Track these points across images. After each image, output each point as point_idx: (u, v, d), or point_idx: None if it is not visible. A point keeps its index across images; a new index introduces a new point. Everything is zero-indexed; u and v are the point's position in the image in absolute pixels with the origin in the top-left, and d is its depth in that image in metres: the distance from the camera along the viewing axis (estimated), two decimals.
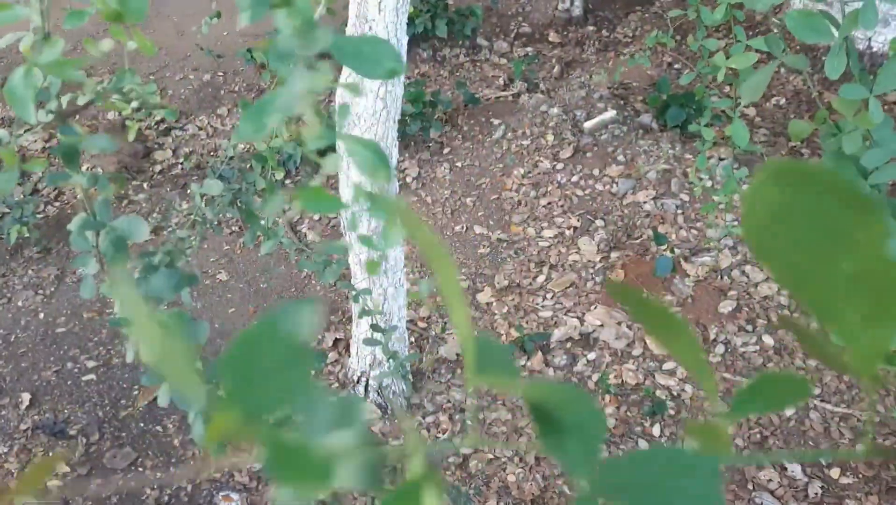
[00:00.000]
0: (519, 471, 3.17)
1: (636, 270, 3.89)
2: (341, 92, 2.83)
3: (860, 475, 3.06)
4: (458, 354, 3.65)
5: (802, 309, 0.38)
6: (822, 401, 3.30)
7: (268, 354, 0.40)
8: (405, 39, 2.73)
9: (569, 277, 3.89)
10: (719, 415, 0.44)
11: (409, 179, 4.51)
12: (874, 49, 4.84)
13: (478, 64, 5.39)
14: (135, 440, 3.38)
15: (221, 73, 5.32)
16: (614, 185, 4.30)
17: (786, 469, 3.10)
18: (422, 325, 3.77)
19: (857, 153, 1.31)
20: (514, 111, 4.87)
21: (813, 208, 0.35)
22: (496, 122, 4.81)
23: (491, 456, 3.23)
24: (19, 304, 3.94)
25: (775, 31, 5.02)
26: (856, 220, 0.34)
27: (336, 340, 3.74)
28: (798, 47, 4.99)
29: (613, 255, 3.96)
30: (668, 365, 3.48)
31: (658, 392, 3.39)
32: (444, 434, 3.34)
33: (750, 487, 3.06)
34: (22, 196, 4.35)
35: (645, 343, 3.58)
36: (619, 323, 3.65)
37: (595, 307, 3.75)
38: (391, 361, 2.89)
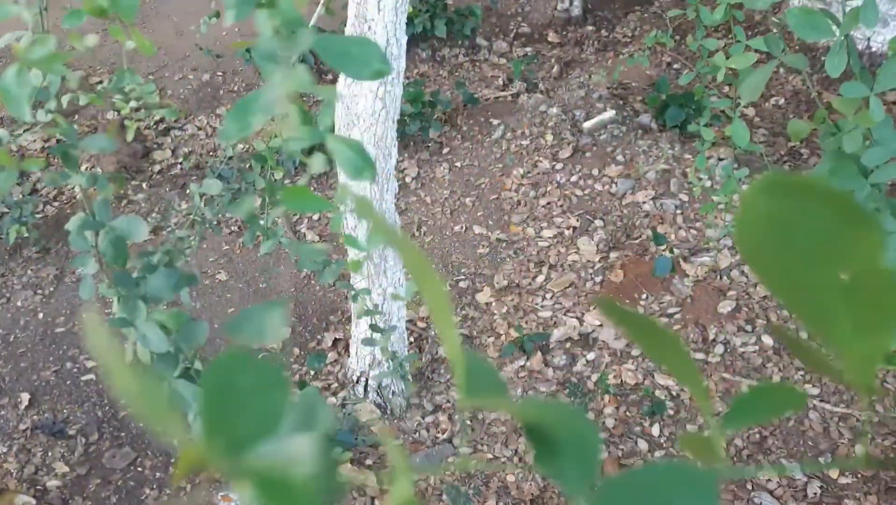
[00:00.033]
0: (518, 471, 3.17)
1: (635, 270, 3.89)
2: (340, 92, 2.83)
3: (859, 475, 3.06)
4: None
5: (795, 318, 0.38)
6: (821, 401, 3.30)
7: (244, 383, 0.39)
8: (404, 39, 2.73)
9: (568, 277, 3.89)
10: (713, 428, 0.43)
11: (408, 179, 4.50)
12: (873, 49, 4.84)
13: (477, 64, 5.39)
14: (134, 440, 3.38)
15: (221, 73, 5.32)
16: (613, 186, 4.30)
17: (787, 469, 3.10)
18: (421, 325, 3.77)
19: (858, 152, 1.31)
20: (513, 111, 4.87)
21: (807, 220, 0.35)
22: (495, 122, 4.81)
23: (490, 456, 3.23)
24: (18, 303, 3.94)
25: (774, 30, 5.02)
26: (851, 232, 0.34)
27: (336, 340, 3.74)
28: (797, 47, 4.99)
29: (613, 255, 3.96)
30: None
31: (657, 392, 3.39)
32: (443, 434, 3.34)
33: (749, 486, 3.06)
34: (21, 196, 4.35)
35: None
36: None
37: (594, 307, 3.75)
38: (390, 361, 2.89)
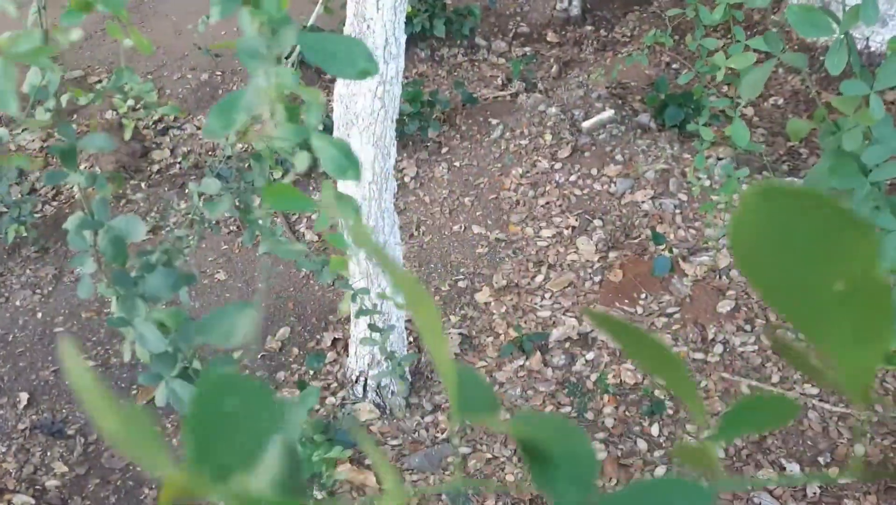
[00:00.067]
0: (517, 470, 3.17)
1: (634, 270, 3.89)
2: (338, 91, 2.83)
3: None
4: (455, 354, 3.64)
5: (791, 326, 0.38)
6: (820, 400, 3.30)
7: (230, 406, 0.37)
8: (403, 38, 2.73)
9: (567, 277, 3.89)
10: (708, 437, 0.43)
11: (407, 179, 4.50)
12: (872, 49, 4.84)
13: (476, 63, 5.39)
14: None
15: (219, 73, 5.31)
16: (612, 185, 4.29)
17: (784, 468, 3.10)
18: None
19: (857, 150, 1.31)
20: (512, 111, 4.87)
21: (802, 228, 0.35)
22: (494, 121, 4.80)
23: (489, 456, 3.23)
24: (17, 303, 3.94)
25: (774, 30, 5.02)
26: (846, 241, 0.34)
27: (335, 340, 3.74)
28: (796, 47, 4.99)
29: (612, 254, 3.96)
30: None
31: (656, 392, 3.39)
32: (442, 434, 3.34)
33: (748, 486, 3.05)
34: (20, 195, 4.35)
35: None
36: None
37: (594, 307, 3.75)
38: (389, 361, 2.89)
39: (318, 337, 3.78)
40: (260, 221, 1.97)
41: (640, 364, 0.44)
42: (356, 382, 3.42)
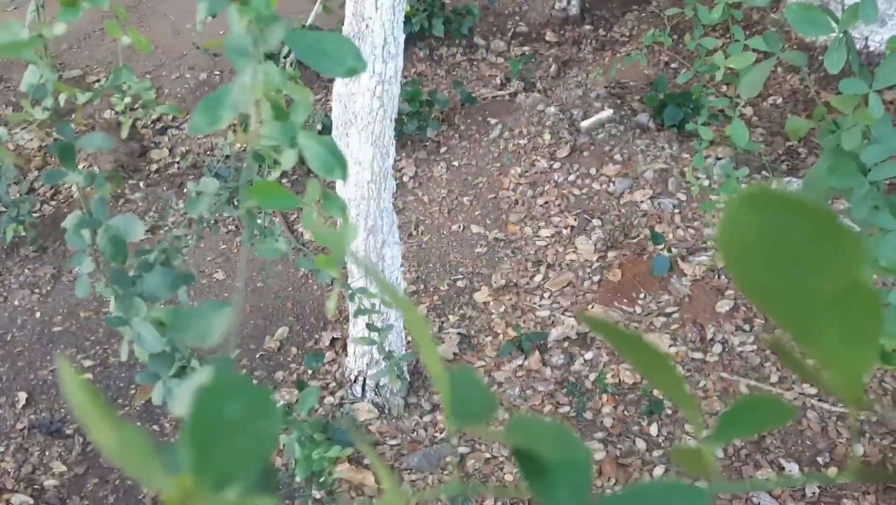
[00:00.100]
0: (516, 470, 3.16)
1: (633, 270, 3.89)
2: (337, 91, 2.82)
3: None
4: (454, 354, 3.64)
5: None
6: (819, 400, 3.30)
7: (231, 411, 0.37)
8: (402, 38, 2.73)
9: (566, 277, 3.89)
10: (704, 440, 0.43)
11: (405, 179, 4.50)
12: (871, 48, 4.84)
13: (474, 63, 5.39)
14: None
15: (218, 72, 5.31)
16: (611, 185, 4.29)
17: (783, 468, 3.10)
18: None
19: (856, 150, 1.30)
20: (510, 110, 4.87)
21: (788, 234, 0.35)
22: (493, 121, 4.80)
23: (488, 455, 3.22)
24: (15, 303, 3.93)
25: (773, 29, 5.02)
26: (831, 247, 0.35)
27: (333, 340, 3.74)
28: (795, 47, 4.99)
29: (610, 254, 3.96)
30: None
31: (655, 391, 3.39)
32: (441, 433, 3.34)
33: (747, 488, 3.05)
34: (18, 195, 4.34)
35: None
36: (617, 322, 3.65)
37: (592, 306, 3.75)
38: (387, 360, 2.89)
39: (317, 336, 3.78)
40: (258, 221, 1.96)
41: (633, 367, 0.44)
42: (355, 381, 3.42)
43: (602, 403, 3.39)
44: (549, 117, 4.69)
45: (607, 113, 4.64)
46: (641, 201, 4.18)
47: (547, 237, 4.10)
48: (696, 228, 4.02)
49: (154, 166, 4.65)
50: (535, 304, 3.80)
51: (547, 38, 5.60)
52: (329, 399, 3.46)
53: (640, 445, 3.23)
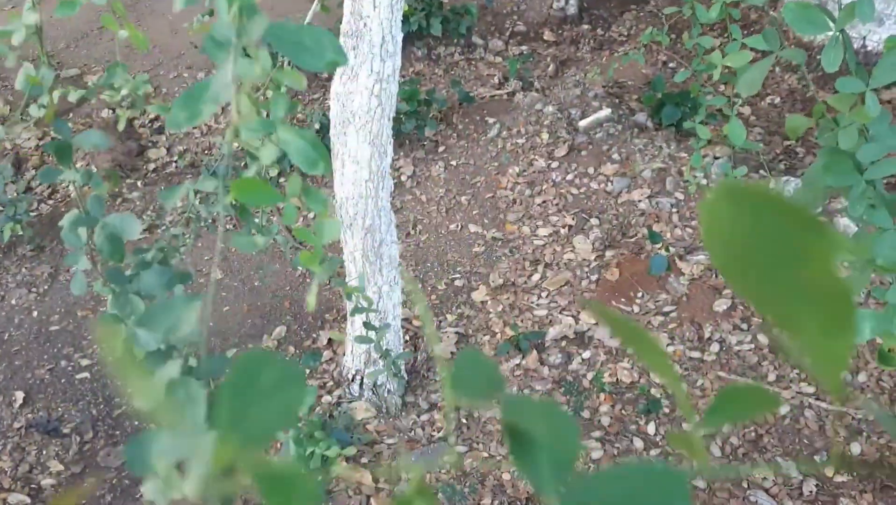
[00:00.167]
0: (514, 469, 3.16)
1: (631, 269, 3.89)
2: (335, 90, 2.82)
3: (855, 473, 3.07)
4: (452, 353, 3.64)
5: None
6: (816, 399, 3.30)
7: (265, 380, 0.40)
8: (400, 37, 2.73)
9: (564, 276, 3.89)
10: (695, 425, 0.45)
11: (403, 178, 4.50)
12: (869, 48, 4.85)
13: (473, 62, 5.38)
14: (129, 438, 3.37)
15: (216, 71, 5.30)
16: (609, 184, 4.29)
17: (781, 467, 3.10)
18: (417, 323, 3.76)
19: (853, 148, 1.30)
20: (508, 110, 4.87)
21: (763, 228, 0.36)
22: (491, 120, 4.80)
23: (486, 454, 3.22)
24: (13, 302, 3.93)
25: (771, 28, 5.01)
26: (803, 241, 0.36)
27: (331, 339, 3.74)
28: (793, 46, 4.99)
29: (608, 253, 3.96)
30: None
31: (653, 390, 3.39)
32: (438, 432, 3.34)
33: (745, 484, 3.06)
34: (15, 194, 4.34)
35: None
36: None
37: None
38: (384, 359, 2.89)
39: (315, 336, 3.78)
40: (256, 219, 1.96)
41: (634, 353, 0.46)
42: (352, 380, 3.42)
43: (600, 402, 3.39)
44: (547, 117, 4.69)
45: (605, 112, 4.64)
46: (639, 200, 4.18)
47: (545, 236, 4.10)
48: (693, 228, 4.02)
49: (152, 165, 4.64)
50: (532, 303, 3.80)
51: (545, 38, 5.60)
52: (327, 398, 3.46)
53: (638, 444, 3.23)
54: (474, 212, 4.28)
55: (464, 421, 3.36)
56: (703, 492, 3.05)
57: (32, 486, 3.20)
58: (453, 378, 0.45)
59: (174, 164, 4.65)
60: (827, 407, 3.27)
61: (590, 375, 3.48)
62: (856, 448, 3.15)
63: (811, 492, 3.02)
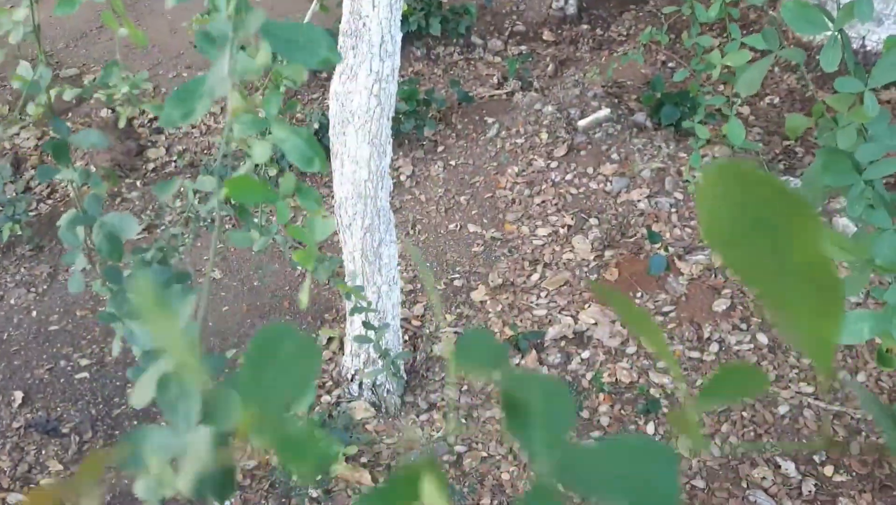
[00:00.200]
0: (513, 469, 3.16)
1: (630, 269, 3.89)
2: (334, 89, 2.82)
3: (854, 473, 3.07)
4: (450, 353, 3.64)
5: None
6: (815, 399, 3.30)
7: (284, 351, 0.43)
8: (399, 36, 2.72)
9: (563, 276, 3.89)
10: (690, 403, 0.46)
11: (402, 178, 4.50)
12: (868, 48, 4.85)
13: (472, 62, 5.38)
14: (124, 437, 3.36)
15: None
16: (608, 184, 4.29)
17: (779, 467, 3.10)
18: (416, 323, 3.76)
19: (852, 148, 1.30)
20: (508, 109, 4.87)
21: (753, 205, 0.36)
22: (490, 120, 4.80)
23: (485, 454, 3.22)
24: (12, 301, 3.93)
25: (770, 27, 5.02)
26: (791, 219, 0.36)
27: (330, 339, 3.73)
28: (792, 46, 4.99)
29: (607, 253, 3.96)
30: (662, 363, 3.48)
31: (652, 390, 3.39)
32: (437, 432, 3.34)
33: (744, 484, 3.06)
34: (14, 194, 4.34)
35: (639, 341, 3.57)
36: (613, 321, 3.65)
37: (589, 305, 3.75)
38: (383, 358, 2.89)
39: (314, 335, 3.78)
40: (256, 219, 1.96)
41: (631, 329, 0.48)
42: (351, 380, 3.42)
43: (599, 401, 3.39)
44: (546, 116, 4.69)
45: (604, 112, 4.64)
46: (638, 200, 4.18)
47: (544, 236, 4.10)
48: (692, 227, 4.02)
49: (151, 165, 4.64)
50: (531, 303, 3.80)
51: (544, 38, 5.60)
52: (326, 398, 3.46)
53: None
54: (473, 212, 4.28)
55: (463, 421, 3.36)
56: (702, 491, 3.05)
57: (31, 485, 3.20)
58: (457, 350, 0.47)
59: (173, 164, 4.64)
60: (826, 407, 3.27)
61: (589, 375, 3.48)
62: (855, 448, 3.15)
63: (810, 491, 3.02)
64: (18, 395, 3.52)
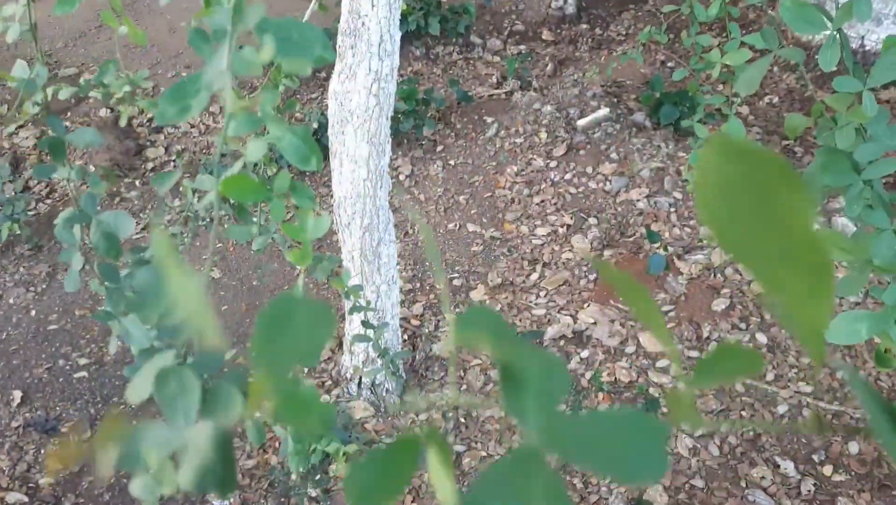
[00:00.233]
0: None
1: (629, 268, 3.88)
2: (333, 88, 2.82)
3: (853, 473, 3.07)
4: (450, 352, 3.64)
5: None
6: (814, 399, 3.30)
7: (298, 317, 0.45)
8: (398, 36, 2.72)
9: (562, 275, 3.89)
10: (685, 383, 0.46)
11: (401, 177, 4.50)
12: (867, 48, 4.84)
13: (471, 62, 5.38)
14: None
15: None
16: (607, 183, 4.29)
17: (778, 466, 3.10)
18: (415, 322, 3.76)
19: (851, 148, 1.30)
20: (507, 109, 4.86)
21: (749, 182, 0.36)
22: (489, 119, 4.80)
23: (484, 453, 3.22)
24: (10, 301, 3.93)
25: (770, 27, 5.02)
26: (784, 196, 0.36)
27: None
28: (791, 46, 4.99)
29: (607, 252, 3.96)
30: (662, 362, 3.48)
31: (651, 389, 3.39)
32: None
33: (743, 484, 3.06)
34: (13, 193, 4.33)
35: (638, 341, 3.57)
36: (612, 321, 3.65)
37: (588, 305, 3.75)
38: (382, 357, 2.88)
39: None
40: (254, 219, 1.96)
41: (630, 308, 0.48)
42: (350, 379, 3.42)
43: (598, 401, 3.39)
44: (545, 116, 4.69)
45: (604, 111, 4.64)
46: (638, 200, 4.18)
47: (543, 236, 4.10)
48: (692, 227, 4.02)
49: (150, 164, 4.64)
50: (531, 302, 3.80)
51: (543, 37, 5.60)
52: (325, 397, 3.46)
53: None
54: (472, 211, 4.28)
55: (462, 420, 3.36)
56: (701, 491, 3.05)
57: (30, 485, 3.20)
58: (459, 324, 0.47)
59: (172, 164, 4.64)
60: (825, 407, 3.27)
61: (588, 375, 3.48)
62: (854, 448, 3.15)
63: (809, 491, 3.02)
64: (17, 394, 3.52)
